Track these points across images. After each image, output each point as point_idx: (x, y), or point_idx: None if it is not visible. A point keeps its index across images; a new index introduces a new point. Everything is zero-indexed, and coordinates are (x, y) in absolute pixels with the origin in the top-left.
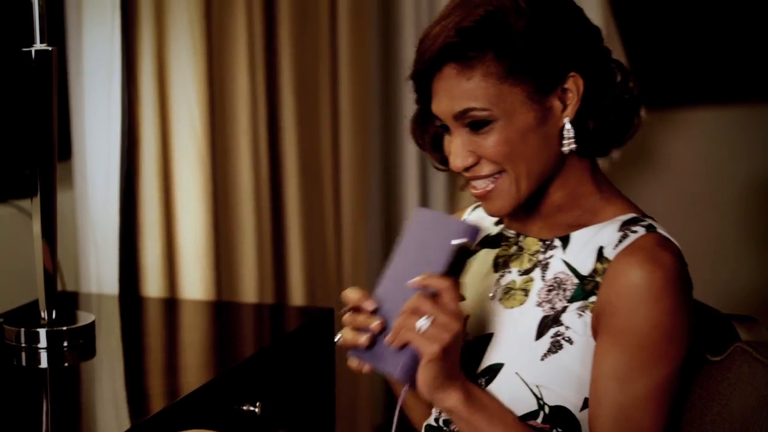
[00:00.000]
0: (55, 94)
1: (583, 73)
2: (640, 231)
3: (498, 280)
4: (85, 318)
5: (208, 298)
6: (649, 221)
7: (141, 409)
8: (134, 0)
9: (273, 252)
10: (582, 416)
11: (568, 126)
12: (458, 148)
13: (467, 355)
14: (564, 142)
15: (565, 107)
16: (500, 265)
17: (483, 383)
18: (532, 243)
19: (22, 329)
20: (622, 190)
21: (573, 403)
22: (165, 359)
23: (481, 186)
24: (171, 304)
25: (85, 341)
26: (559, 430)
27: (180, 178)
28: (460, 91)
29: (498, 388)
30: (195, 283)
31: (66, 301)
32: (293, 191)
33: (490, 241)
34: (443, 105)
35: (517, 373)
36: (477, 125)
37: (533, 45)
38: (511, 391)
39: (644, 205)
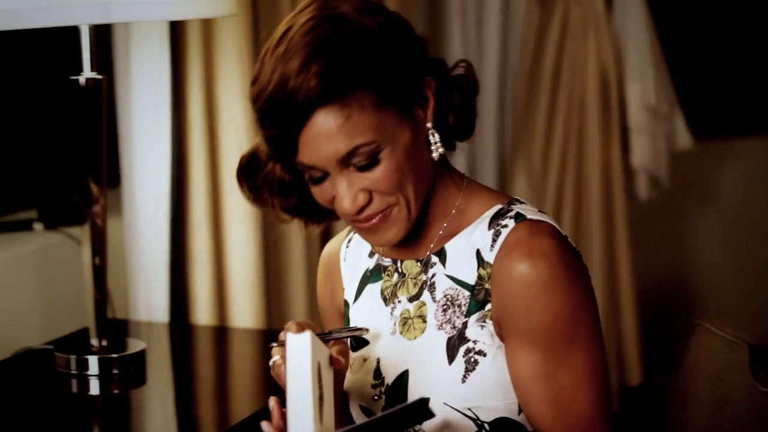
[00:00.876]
0: (105, 121)
1: (431, 75)
2: (510, 224)
3: (392, 313)
4: (135, 345)
5: (258, 326)
6: (516, 208)
7: None
8: (183, 28)
9: None
10: (522, 418)
11: (432, 130)
12: (345, 189)
13: (392, 398)
14: (432, 148)
15: (425, 114)
16: (389, 297)
17: None
18: (411, 266)
19: (73, 356)
20: (670, 219)
21: (509, 410)
22: (215, 387)
23: (369, 222)
24: (221, 332)
25: (136, 369)
26: None
27: (229, 205)
28: (342, 132)
29: (433, 421)
30: (245, 311)
31: (116, 329)
32: None
33: (370, 276)
34: (323, 152)
35: (445, 403)
36: (367, 163)
37: (390, 65)
38: (447, 420)
39: (691, 233)
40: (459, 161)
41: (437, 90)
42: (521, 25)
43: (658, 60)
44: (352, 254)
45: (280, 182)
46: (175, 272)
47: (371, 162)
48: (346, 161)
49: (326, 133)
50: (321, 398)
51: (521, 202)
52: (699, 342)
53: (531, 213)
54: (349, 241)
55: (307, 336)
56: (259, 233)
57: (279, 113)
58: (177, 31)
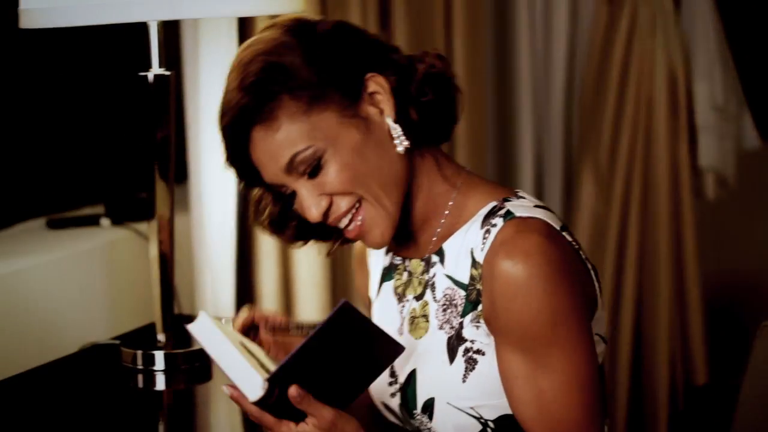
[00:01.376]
0: (173, 117)
1: (381, 71)
2: (499, 223)
3: (401, 312)
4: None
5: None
6: (508, 206)
7: None
8: (251, 25)
9: None
10: None
11: (392, 125)
12: (306, 198)
13: (405, 397)
14: (395, 142)
15: (381, 110)
16: (400, 295)
17: (427, 420)
18: (416, 265)
19: (139, 351)
20: (737, 219)
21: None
22: None
23: (351, 226)
24: None
25: (201, 364)
26: None
27: None
28: (277, 145)
29: (440, 421)
30: (310, 310)
31: (182, 324)
32: None
33: (386, 274)
34: (271, 168)
35: (448, 403)
36: (312, 169)
37: (317, 70)
38: (452, 420)
39: (759, 233)
40: (525, 158)
41: (396, 85)
42: (589, 25)
43: (726, 59)
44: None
45: (272, 216)
46: (242, 269)
47: (316, 167)
48: (291, 171)
49: (264, 148)
50: (254, 357)
51: (519, 197)
52: (766, 342)
53: (523, 210)
54: None
55: (202, 316)
56: None
57: (224, 134)
58: (245, 27)
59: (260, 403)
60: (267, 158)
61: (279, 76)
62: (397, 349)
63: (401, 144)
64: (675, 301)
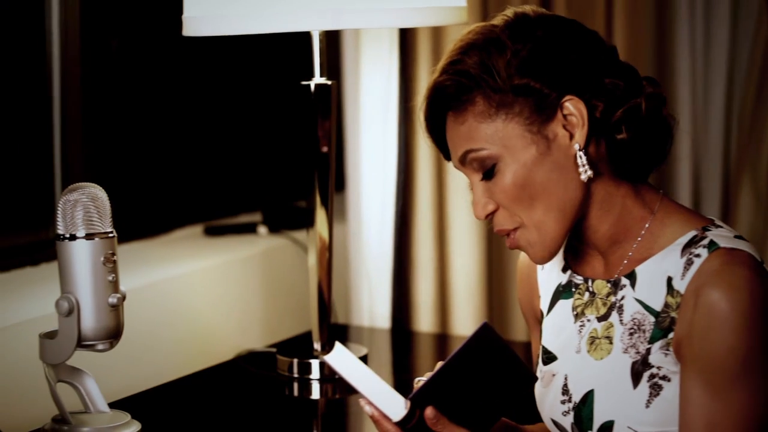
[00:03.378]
0: (333, 127)
1: (583, 95)
2: (703, 254)
3: (579, 331)
4: (357, 351)
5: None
6: (710, 236)
7: None
8: (412, 36)
9: None
10: None
11: (579, 153)
12: (476, 196)
13: (579, 416)
14: (580, 170)
15: (572, 134)
16: (578, 314)
17: None
18: (601, 286)
19: (295, 360)
20: None
21: None
22: None
23: (509, 239)
24: (442, 339)
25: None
26: None
27: (454, 213)
28: (458, 136)
29: None
30: (467, 320)
31: (338, 334)
32: None
33: (563, 291)
34: (452, 152)
35: (629, 427)
36: (485, 170)
37: (517, 79)
38: None
39: None
40: (683, 174)
41: (603, 114)
42: (750, 39)
43: None
44: (549, 265)
45: None
46: (399, 278)
47: (489, 171)
48: (464, 164)
49: (450, 135)
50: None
51: (717, 226)
52: None
53: (726, 240)
54: None
55: (338, 347)
56: (483, 241)
57: (425, 118)
58: (406, 38)
59: (401, 425)
60: (451, 143)
61: (480, 74)
62: (531, 379)
63: (584, 173)
64: None
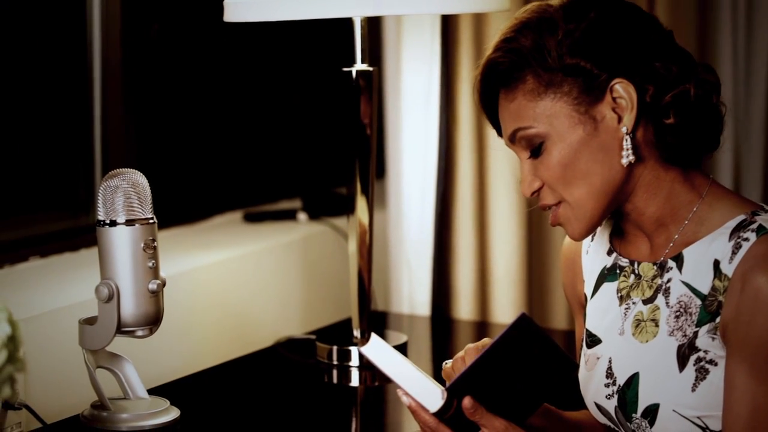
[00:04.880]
0: (375, 113)
1: (634, 78)
2: (752, 237)
3: (624, 314)
4: (397, 338)
5: (523, 311)
6: (759, 220)
7: None
8: (454, 22)
9: None
10: None
11: (626, 136)
12: (524, 173)
13: (623, 399)
14: (622, 153)
15: (620, 117)
16: (623, 297)
17: (647, 425)
18: (647, 269)
19: (335, 347)
20: None
21: None
22: None
23: (551, 215)
24: (482, 327)
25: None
26: None
27: (494, 200)
28: (508, 113)
29: (662, 428)
30: (507, 307)
31: (377, 321)
32: None
33: (608, 274)
34: (503, 133)
35: (674, 410)
36: (533, 148)
37: (568, 59)
38: (675, 427)
39: None
40: (725, 161)
41: (652, 98)
42: None
43: None
44: (594, 249)
45: None
46: (439, 266)
47: (536, 149)
48: (513, 142)
49: (502, 111)
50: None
51: (766, 211)
52: None
53: None
54: (593, 236)
55: (374, 338)
56: (523, 229)
57: (477, 92)
58: (448, 24)
59: (438, 415)
60: (502, 121)
61: (532, 53)
62: (571, 367)
63: (626, 158)
64: None
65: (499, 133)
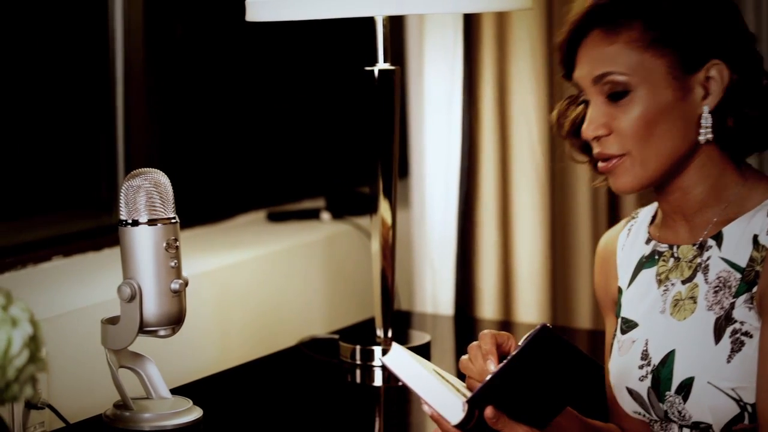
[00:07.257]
0: (397, 113)
1: (729, 65)
2: None
3: (663, 295)
4: (420, 338)
5: (543, 322)
6: None
7: None
8: (477, 21)
9: None
10: None
11: (706, 114)
12: (594, 115)
13: (657, 378)
14: (701, 130)
15: (706, 95)
16: (662, 280)
17: (680, 401)
18: (687, 251)
19: (358, 347)
20: None
21: None
22: None
23: (604, 163)
24: (506, 326)
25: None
26: None
27: (518, 199)
28: (602, 54)
29: (696, 401)
30: (530, 307)
31: (401, 320)
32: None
33: (646, 261)
34: (584, 70)
35: (709, 382)
36: (616, 94)
37: (682, 20)
38: (710, 401)
39: None
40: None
41: (730, 84)
42: None
43: None
44: (630, 243)
45: (575, 121)
46: (462, 266)
47: (619, 94)
48: (598, 83)
49: (591, 51)
50: (450, 384)
51: None
52: None
53: None
54: (629, 231)
55: (396, 348)
56: (547, 228)
57: (570, 20)
58: (471, 23)
59: (460, 426)
60: (587, 59)
61: (649, 4)
62: (596, 368)
63: (705, 135)
64: None
65: (566, 75)
